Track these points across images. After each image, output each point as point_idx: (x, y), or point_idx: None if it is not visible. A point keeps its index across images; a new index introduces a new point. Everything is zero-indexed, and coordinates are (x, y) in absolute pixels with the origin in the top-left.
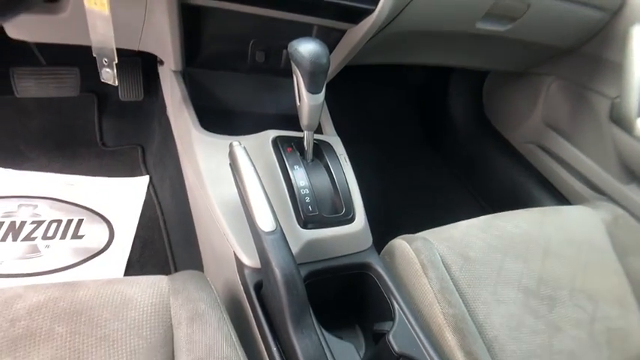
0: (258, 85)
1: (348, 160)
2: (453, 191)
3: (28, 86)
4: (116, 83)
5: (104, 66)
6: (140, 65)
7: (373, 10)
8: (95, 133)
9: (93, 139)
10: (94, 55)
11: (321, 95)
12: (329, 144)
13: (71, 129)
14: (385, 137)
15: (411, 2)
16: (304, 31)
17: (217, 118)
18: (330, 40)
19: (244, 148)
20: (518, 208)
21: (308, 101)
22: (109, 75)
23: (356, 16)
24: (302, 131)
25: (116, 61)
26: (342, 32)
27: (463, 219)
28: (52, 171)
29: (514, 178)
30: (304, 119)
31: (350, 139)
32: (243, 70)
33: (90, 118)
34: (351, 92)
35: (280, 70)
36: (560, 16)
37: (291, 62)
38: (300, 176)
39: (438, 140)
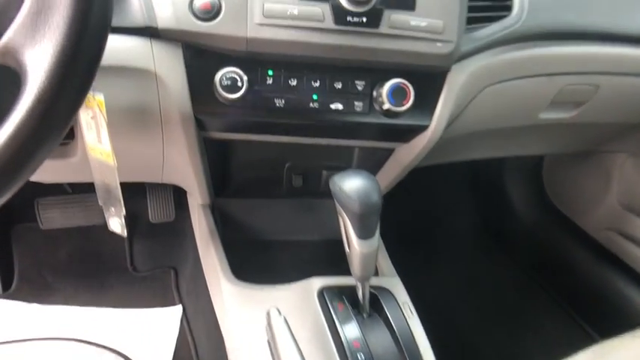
0: (296, 210)
1: (413, 310)
2: (527, 293)
3: (53, 217)
4: (125, 234)
5: (112, 215)
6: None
7: (427, 127)
8: (125, 257)
9: (123, 264)
10: (100, 204)
11: (375, 239)
12: (388, 291)
13: (100, 255)
14: (439, 230)
15: (468, 107)
16: (345, 152)
17: (251, 254)
18: (376, 158)
19: (284, 320)
20: (608, 311)
21: (360, 249)
22: (117, 225)
23: (407, 134)
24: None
25: (124, 213)
26: (390, 150)
27: (550, 334)
28: (79, 303)
29: (598, 273)
30: (357, 270)
31: (399, 238)
32: (278, 196)
33: (119, 243)
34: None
35: (320, 192)
36: (632, 92)
37: (335, 202)
38: (353, 335)
39: (497, 229)
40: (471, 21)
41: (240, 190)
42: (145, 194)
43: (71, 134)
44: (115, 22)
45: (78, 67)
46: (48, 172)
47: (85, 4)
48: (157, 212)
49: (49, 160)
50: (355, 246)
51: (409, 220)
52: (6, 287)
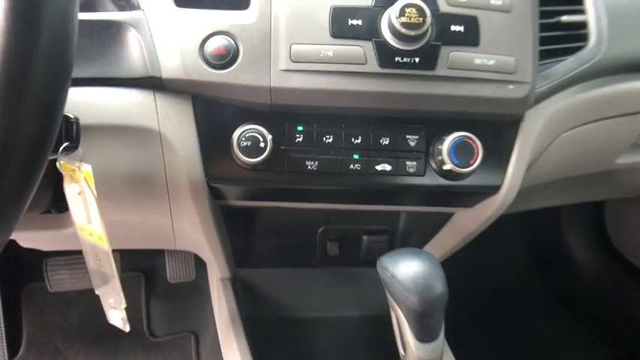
0: (332, 281)
1: None
2: (593, 356)
3: (62, 279)
4: (127, 329)
5: (111, 307)
6: None
7: (499, 188)
8: (142, 319)
9: (139, 327)
10: (97, 293)
11: (440, 342)
12: None
13: None
14: (492, 289)
15: (541, 158)
16: (390, 213)
17: (280, 334)
18: (429, 223)
19: None
20: None
21: (419, 354)
22: (117, 318)
23: (472, 198)
24: None
25: (125, 305)
26: (448, 215)
27: None
28: None
29: None
30: None
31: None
32: (311, 265)
33: (136, 303)
34: None
35: (360, 260)
36: None
37: (386, 292)
38: None
39: (557, 282)
40: (542, 55)
41: (266, 259)
42: (163, 251)
43: (64, 205)
44: (110, 71)
45: (10, 158)
46: (44, 241)
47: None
48: (175, 272)
49: (44, 230)
50: (413, 350)
51: (456, 275)
52: (13, 353)
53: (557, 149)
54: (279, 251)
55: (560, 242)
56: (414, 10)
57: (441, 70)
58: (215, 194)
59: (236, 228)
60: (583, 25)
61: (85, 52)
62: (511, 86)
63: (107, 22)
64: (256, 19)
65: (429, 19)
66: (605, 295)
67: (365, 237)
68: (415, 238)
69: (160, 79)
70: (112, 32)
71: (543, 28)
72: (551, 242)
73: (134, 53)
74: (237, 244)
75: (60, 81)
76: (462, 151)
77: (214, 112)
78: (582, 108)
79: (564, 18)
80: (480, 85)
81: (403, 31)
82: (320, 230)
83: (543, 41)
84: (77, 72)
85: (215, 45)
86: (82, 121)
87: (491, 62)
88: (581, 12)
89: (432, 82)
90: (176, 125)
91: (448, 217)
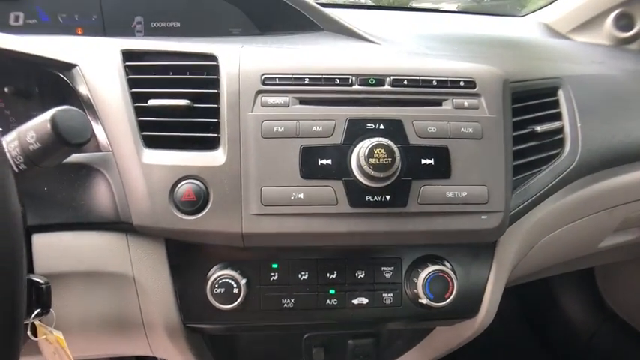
0: None
1: None
2: None
3: None
4: None
5: None
6: None
7: (476, 313)
8: None
9: None
10: None
11: None
12: None
13: None
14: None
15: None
16: None
17: None
18: (411, 332)
19: None
20: None
21: None
22: None
23: (449, 320)
24: None
25: None
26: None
27: None
28: None
29: None
30: None
31: None
32: None
33: None
34: None
35: None
36: None
37: None
38: None
39: (546, 337)
40: (515, 170)
41: None
42: None
43: None
44: (81, 216)
45: None
46: None
47: None
48: None
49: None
50: None
51: None
52: None
53: (537, 251)
54: (262, 359)
55: (553, 300)
56: (382, 151)
57: (412, 207)
58: (192, 329)
59: (217, 347)
60: (558, 131)
61: (55, 197)
62: (484, 216)
63: (76, 164)
64: (225, 162)
65: (398, 159)
66: (600, 354)
67: (351, 341)
68: (400, 343)
69: (131, 224)
70: (81, 175)
71: (517, 140)
72: (543, 300)
73: (104, 197)
74: (220, 357)
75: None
76: (436, 285)
77: (188, 255)
78: (560, 215)
79: (539, 128)
80: (453, 218)
81: (372, 173)
82: (305, 337)
83: (517, 155)
84: (48, 218)
85: (184, 190)
86: (54, 269)
87: (464, 194)
88: (556, 117)
89: (403, 218)
90: (150, 269)
91: (429, 330)
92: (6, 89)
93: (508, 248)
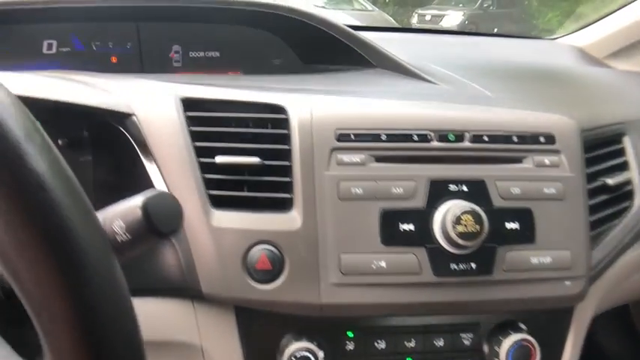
0: None
1: None
2: None
3: None
4: None
5: None
6: None
7: None
8: None
9: None
10: None
11: None
12: None
13: None
14: None
15: None
16: None
17: None
18: None
19: None
20: None
21: None
22: None
23: None
24: None
25: None
26: None
27: None
28: None
29: None
30: None
31: None
32: None
33: None
34: None
35: None
36: None
37: None
38: None
39: None
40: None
41: None
42: None
43: None
44: (145, 282)
45: None
46: None
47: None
48: None
49: None
50: None
51: None
52: None
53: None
54: None
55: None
56: (470, 218)
57: (497, 274)
58: None
59: None
60: (627, 182)
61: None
62: (567, 282)
63: None
64: (301, 226)
65: (486, 227)
66: None
67: None
68: None
69: (199, 291)
70: None
71: (589, 194)
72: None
73: (170, 262)
74: None
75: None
76: (520, 354)
77: (260, 325)
78: (637, 266)
79: (611, 181)
80: (537, 285)
81: (460, 242)
82: None
83: (589, 210)
84: None
85: (259, 257)
86: None
87: (548, 260)
88: (623, 167)
89: (488, 287)
90: (219, 340)
91: None
92: (59, 142)
93: (587, 306)
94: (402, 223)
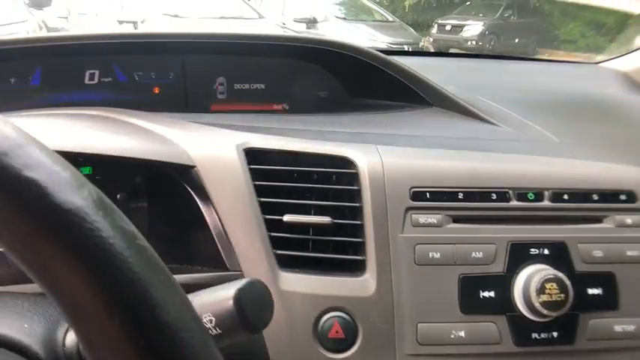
0: None
1: None
2: None
3: None
4: None
5: None
6: None
7: None
8: None
9: None
10: None
11: None
12: None
13: None
14: None
15: None
16: None
17: None
18: None
19: None
20: None
21: None
22: None
23: None
24: None
25: None
26: None
27: None
28: None
29: None
30: None
31: None
32: None
33: None
34: None
35: None
36: None
37: None
38: None
39: None
40: None
41: None
42: None
43: None
44: None
45: None
46: None
47: None
48: None
49: None
50: None
51: None
52: None
53: None
54: None
55: None
56: (554, 286)
57: (580, 343)
58: None
59: None
60: None
61: None
62: None
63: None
64: (375, 291)
65: (571, 295)
66: None
67: None
68: None
69: (267, 358)
70: None
71: None
72: None
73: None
74: None
75: None
76: None
77: None
78: None
79: None
80: (620, 354)
81: (544, 311)
82: None
83: None
84: None
85: (331, 325)
86: None
87: (632, 328)
88: None
89: (570, 357)
90: None
91: None
92: (118, 196)
93: None
94: (482, 289)
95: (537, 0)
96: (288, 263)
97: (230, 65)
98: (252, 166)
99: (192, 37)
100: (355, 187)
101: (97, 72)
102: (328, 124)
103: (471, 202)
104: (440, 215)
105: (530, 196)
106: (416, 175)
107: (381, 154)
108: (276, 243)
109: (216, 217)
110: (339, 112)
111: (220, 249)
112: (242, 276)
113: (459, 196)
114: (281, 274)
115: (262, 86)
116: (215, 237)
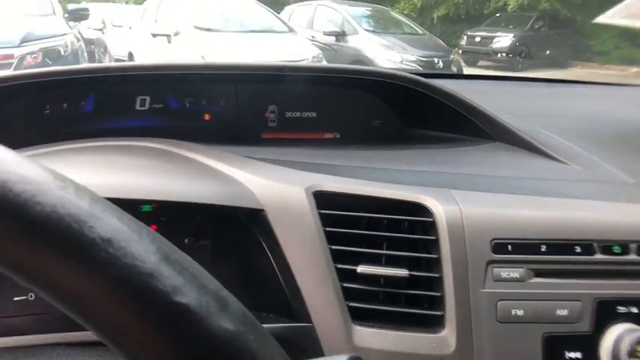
0: None
1: None
2: None
3: None
4: None
5: None
6: None
7: None
8: None
9: None
10: None
11: None
12: None
13: None
14: None
15: None
16: None
17: None
18: None
19: None
20: None
21: None
22: None
23: None
24: None
25: None
26: None
27: None
28: None
29: None
30: None
31: None
32: None
33: None
34: None
35: None
36: None
37: None
38: None
39: None
40: None
41: None
42: None
43: None
44: None
45: None
46: None
47: None
48: None
49: None
50: None
51: None
52: None
53: None
54: None
55: None
56: None
57: None
58: None
59: None
60: None
61: None
62: None
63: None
64: (455, 350)
65: None
66: None
67: None
68: None
69: None
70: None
71: None
72: None
73: None
74: None
75: None
76: None
77: None
78: None
79: None
80: None
81: None
82: None
83: None
84: None
85: None
86: None
87: None
88: None
89: None
90: None
91: None
92: (186, 241)
93: None
94: (568, 350)
95: (569, 11)
96: (360, 316)
97: (282, 93)
98: (321, 211)
99: (248, 69)
100: (432, 237)
101: (147, 98)
102: (390, 159)
103: (555, 255)
104: (522, 269)
105: (616, 249)
106: (497, 226)
107: (458, 201)
108: (348, 294)
109: (285, 263)
110: (395, 144)
111: (289, 297)
112: (314, 329)
113: (542, 249)
114: (355, 328)
115: (313, 114)
116: (283, 284)
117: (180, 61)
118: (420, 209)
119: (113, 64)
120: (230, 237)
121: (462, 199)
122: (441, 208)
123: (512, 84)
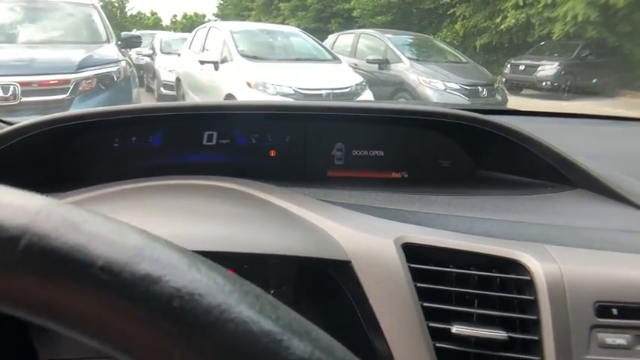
0: None
1: None
2: None
3: None
4: None
5: None
6: None
7: None
8: None
9: None
10: None
11: None
12: None
13: None
14: None
15: None
16: None
17: None
18: None
19: None
20: None
21: None
22: None
23: None
24: None
25: None
26: None
27: None
28: None
29: None
30: None
31: None
32: None
33: None
34: None
35: None
36: None
37: None
38: None
39: None
40: None
41: None
42: None
43: None
44: None
45: None
46: None
47: None
48: None
49: None
50: None
51: None
52: None
53: None
54: None
55: None
56: None
57: None
58: None
59: None
60: None
61: None
62: None
63: None
64: None
65: None
66: None
67: None
68: None
69: None
70: None
71: None
72: None
73: None
74: None
75: None
76: None
77: None
78: None
79: None
80: None
81: None
82: None
83: None
84: None
85: None
86: None
87: None
88: None
89: None
90: None
91: None
92: (272, 292)
93: None
94: None
95: (617, 39)
96: None
97: (349, 131)
98: (412, 265)
99: (316, 110)
100: (531, 297)
101: (215, 134)
102: (470, 206)
103: None
104: (629, 335)
105: None
106: (600, 288)
107: (556, 259)
108: (441, 355)
109: (373, 317)
110: (469, 188)
111: (377, 352)
112: None
113: None
114: None
115: (381, 153)
116: (373, 340)
117: (252, 101)
118: (515, 266)
119: (183, 103)
120: (312, 285)
121: (560, 256)
122: (539, 265)
123: (577, 121)
